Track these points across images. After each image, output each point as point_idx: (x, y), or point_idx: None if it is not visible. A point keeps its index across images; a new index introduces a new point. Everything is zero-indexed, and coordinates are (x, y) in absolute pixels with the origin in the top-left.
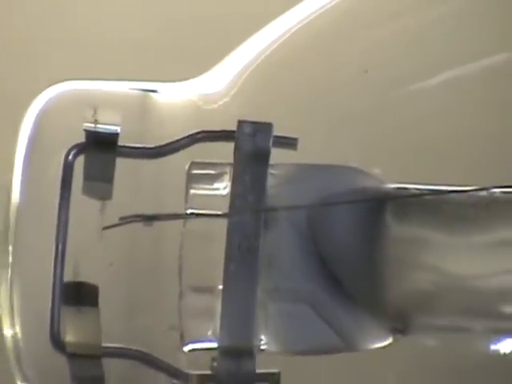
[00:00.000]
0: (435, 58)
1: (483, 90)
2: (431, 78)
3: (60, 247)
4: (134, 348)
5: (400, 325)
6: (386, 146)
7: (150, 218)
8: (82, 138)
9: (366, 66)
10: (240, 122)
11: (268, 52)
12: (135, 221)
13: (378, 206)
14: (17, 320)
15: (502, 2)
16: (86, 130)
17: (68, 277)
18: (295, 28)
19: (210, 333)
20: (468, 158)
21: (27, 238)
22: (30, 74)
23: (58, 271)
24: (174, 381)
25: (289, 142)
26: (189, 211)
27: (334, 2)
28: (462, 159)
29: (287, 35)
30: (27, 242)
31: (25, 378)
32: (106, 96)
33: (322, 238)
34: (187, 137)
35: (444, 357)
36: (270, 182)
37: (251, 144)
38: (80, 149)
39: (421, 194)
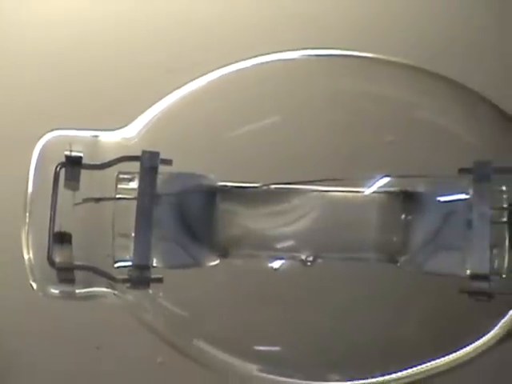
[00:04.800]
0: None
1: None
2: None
3: (52, 213)
4: (90, 265)
5: (223, 253)
6: (218, 163)
7: (98, 200)
8: (63, 159)
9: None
10: (143, 152)
11: (160, 114)
12: (90, 201)
13: (212, 193)
14: (30, 250)
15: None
16: (65, 155)
17: (56, 229)
18: (178, 100)
19: (127, 257)
20: (263, 167)
21: (36, 209)
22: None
23: (51, 226)
24: (110, 281)
25: (167, 162)
26: (117, 196)
27: (193, 87)
28: (259, 168)
29: (173, 104)
30: (36, 211)
31: (34, 278)
32: (75, 138)
33: (184, 209)
34: (116, 159)
35: (247, 269)
36: (158, 181)
37: (148, 163)
38: (63, 164)
39: (232, 187)
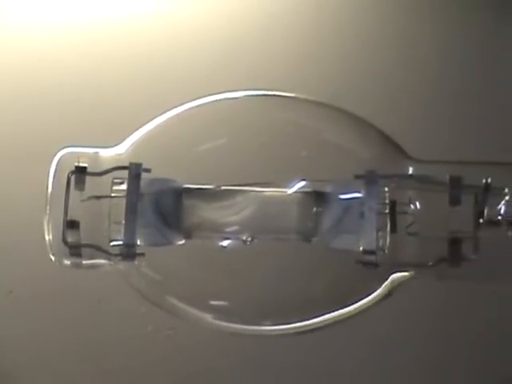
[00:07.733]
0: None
1: None
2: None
3: (65, 207)
4: (93, 244)
5: (187, 235)
6: (184, 171)
7: (98, 197)
8: (73, 168)
9: (183, 139)
10: (130, 163)
11: (142, 136)
12: (93, 198)
13: (179, 193)
14: (50, 233)
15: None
16: (75, 166)
17: (68, 218)
18: (155, 126)
19: (119, 238)
20: (215, 174)
21: (54, 204)
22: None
23: (64, 216)
24: (107, 255)
25: (147, 170)
26: (112, 195)
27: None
28: (213, 175)
29: (151, 129)
30: (54, 205)
31: (52, 252)
32: (82, 153)
33: (160, 204)
34: (111, 168)
35: (204, 247)
36: (141, 184)
37: (134, 171)
38: (73, 172)
39: (193, 189)
